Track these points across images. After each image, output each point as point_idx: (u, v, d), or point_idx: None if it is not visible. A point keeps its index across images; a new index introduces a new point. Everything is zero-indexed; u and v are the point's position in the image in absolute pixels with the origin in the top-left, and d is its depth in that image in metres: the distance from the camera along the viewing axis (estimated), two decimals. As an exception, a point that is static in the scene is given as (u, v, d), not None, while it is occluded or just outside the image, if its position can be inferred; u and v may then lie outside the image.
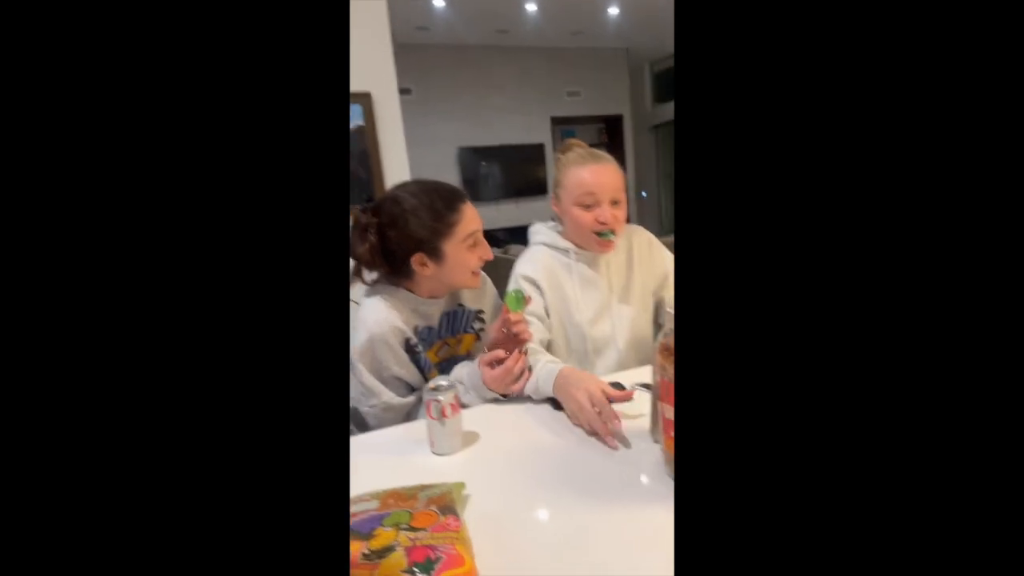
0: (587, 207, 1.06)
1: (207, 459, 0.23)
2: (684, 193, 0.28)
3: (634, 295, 1.14)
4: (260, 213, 0.26)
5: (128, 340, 0.23)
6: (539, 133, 5.94)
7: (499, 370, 0.89)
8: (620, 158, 6.89)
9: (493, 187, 5.71)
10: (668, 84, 6.88)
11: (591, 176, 1.05)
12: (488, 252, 1.00)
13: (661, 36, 5.66)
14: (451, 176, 5.30)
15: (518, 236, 5.88)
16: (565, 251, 1.13)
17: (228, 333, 0.24)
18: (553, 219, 1.20)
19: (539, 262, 1.12)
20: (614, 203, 1.06)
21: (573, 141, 1.15)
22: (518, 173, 5.85)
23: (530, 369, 0.92)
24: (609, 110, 6.38)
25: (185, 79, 0.26)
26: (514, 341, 0.91)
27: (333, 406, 0.24)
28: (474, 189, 5.45)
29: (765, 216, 0.26)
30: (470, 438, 0.80)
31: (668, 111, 6.85)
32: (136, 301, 0.24)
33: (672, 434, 0.62)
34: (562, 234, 1.14)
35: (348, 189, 0.30)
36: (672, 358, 0.61)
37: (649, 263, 1.18)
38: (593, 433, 0.76)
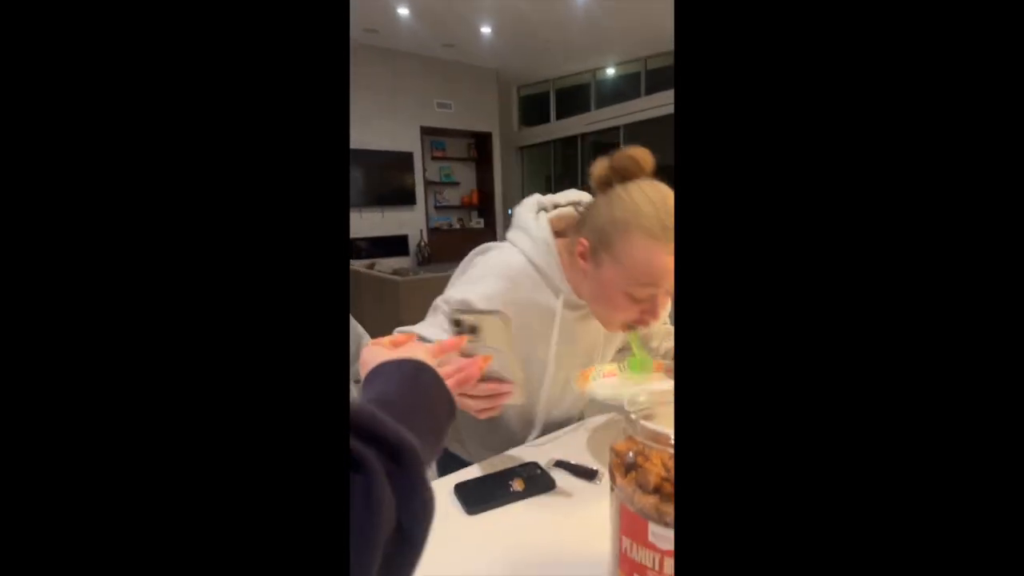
0: (637, 300, 0.70)
1: (197, 452, 0.23)
2: (684, 196, 0.27)
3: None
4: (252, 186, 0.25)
5: (112, 324, 0.23)
6: (408, 141, 5.78)
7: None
8: (489, 175, 7.00)
9: (355, 192, 5.39)
10: (533, 109, 7.22)
11: (663, 260, 0.66)
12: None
13: (530, 61, 5.93)
14: (309, 176, 4.86)
15: (383, 247, 5.62)
16: (556, 291, 0.76)
17: (209, 304, 0.24)
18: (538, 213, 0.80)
19: (511, 288, 0.74)
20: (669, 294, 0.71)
21: (626, 154, 0.69)
22: (384, 180, 5.61)
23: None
24: (478, 126, 6.46)
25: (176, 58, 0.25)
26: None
27: (332, 384, 0.25)
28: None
29: (766, 219, 0.26)
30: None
31: (532, 134, 7.19)
32: (118, 279, 0.23)
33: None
34: (562, 264, 0.76)
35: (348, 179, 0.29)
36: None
37: None
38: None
